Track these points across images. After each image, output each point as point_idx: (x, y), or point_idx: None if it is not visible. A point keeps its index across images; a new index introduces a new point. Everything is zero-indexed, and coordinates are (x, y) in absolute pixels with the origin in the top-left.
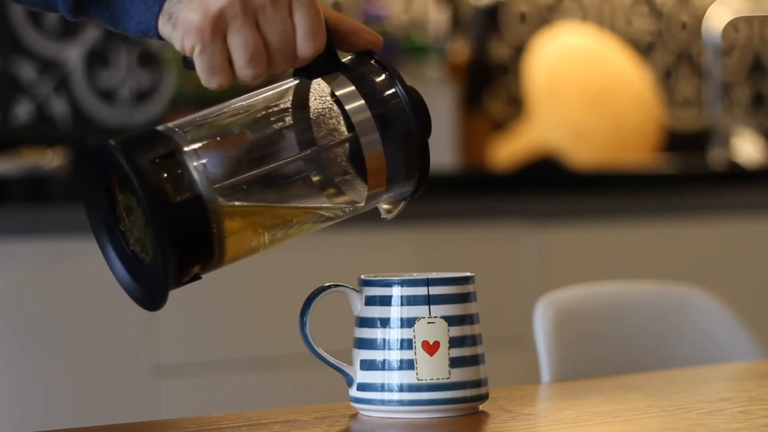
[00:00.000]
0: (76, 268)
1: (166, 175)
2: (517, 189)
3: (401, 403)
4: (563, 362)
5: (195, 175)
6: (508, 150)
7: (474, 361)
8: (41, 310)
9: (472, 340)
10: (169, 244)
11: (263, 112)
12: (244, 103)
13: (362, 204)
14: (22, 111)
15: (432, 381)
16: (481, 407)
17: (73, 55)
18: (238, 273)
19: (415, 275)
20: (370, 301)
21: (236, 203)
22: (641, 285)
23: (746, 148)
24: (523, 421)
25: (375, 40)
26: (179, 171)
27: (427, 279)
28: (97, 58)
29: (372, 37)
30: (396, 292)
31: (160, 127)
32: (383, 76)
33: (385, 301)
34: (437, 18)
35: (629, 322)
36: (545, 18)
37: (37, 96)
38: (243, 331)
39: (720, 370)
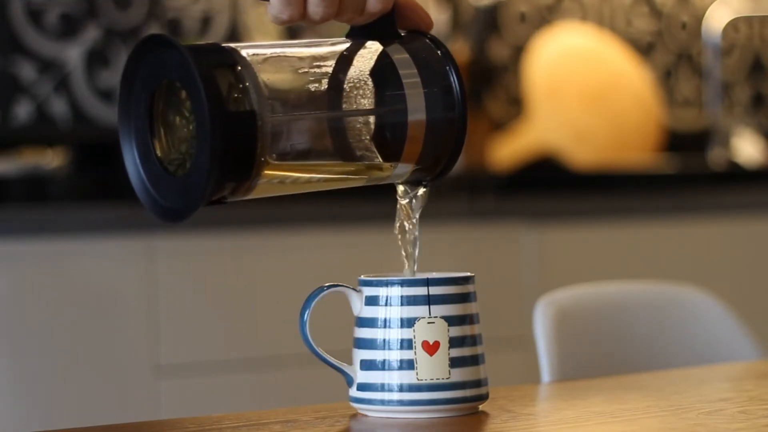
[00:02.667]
0: (76, 268)
1: (226, 82)
2: (517, 189)
3: (401, 403)
4: (563, 362)
5: (253, 93)
6: (508, 150)
7: (474, 361)
8: (41, 310)
9: (472, 340)
10: (219, 148)
11: (317, 63)
12: (300, 49)
13: (388, 174)
14: (22, 111)
15: (432, 381)
16: (481, 407)
17: (73, 55)
18: (238, 273)
19: (415, 275)
20: (370, 301)
21: (281, 135)
22: (641, 285)
23: (746, 148)
24: (523, 421)
25: (429, 21)
26: (240, 85)
27: (427, 279)
28: (97, 58)
29: (426, 17)
30: (396, 292)
31: (223, 45)
32: (438, 55)
33: (385, 301)
34: (437, 18)
35: (629, 322)
36: (545, 18)
37: (37, 96)
38: (243, 331)
39: (720, 370)
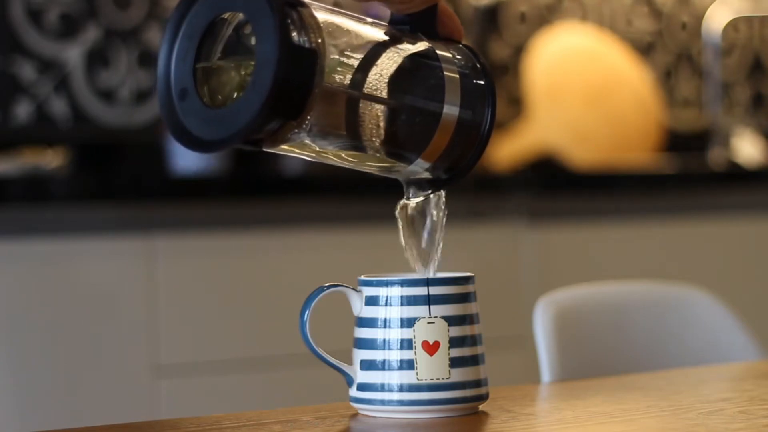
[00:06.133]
0: (76, 268)
1: (293, 20)
2: (517, 189)
3: (401, 403)
4: (563, 362)
5: (314, 38)
6: (508, 150)
7: (474, 361)
8: (41, 310)
9: (472, 340)
10: (282, 74)
11: (367, 41)
12: (351, 23)
13: (406, 166)
14: (22, 111)
15: (432, 381)
16: (481, 407)
17: (73, 55)
18: (238, 272)
19: (415, 275)
20: (370, 301)
21: (329, 96)
22: (641, 285)
23: (746, 148)
24: (523, 421)
25: (461, 32)
26: (304, 29)
27: (427, 279)
28: (97, 58)
29: (461, 27)
30: (396, 292)
31: None
32: (474, 63)
33: (385, 301)
34: None
35: (629, 322)
36: (545, 18)
37: (37, 96)
38: (243, 331)
39: (720, 370)
